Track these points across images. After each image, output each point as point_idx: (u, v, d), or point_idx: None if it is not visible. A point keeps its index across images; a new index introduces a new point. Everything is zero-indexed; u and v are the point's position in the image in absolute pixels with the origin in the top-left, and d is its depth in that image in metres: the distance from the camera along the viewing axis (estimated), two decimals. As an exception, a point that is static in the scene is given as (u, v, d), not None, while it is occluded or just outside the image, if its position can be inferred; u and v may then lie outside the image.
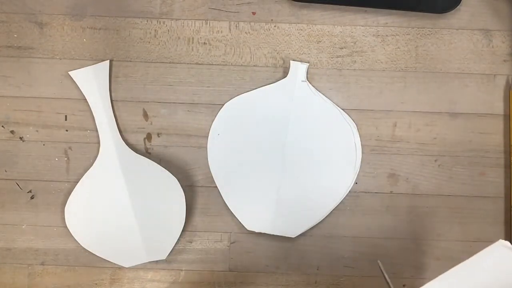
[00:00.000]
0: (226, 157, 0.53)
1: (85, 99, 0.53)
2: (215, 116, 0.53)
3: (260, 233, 0.53)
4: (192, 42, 0.54)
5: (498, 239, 0.53)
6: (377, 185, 0.54)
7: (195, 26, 0.54)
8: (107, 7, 0.54)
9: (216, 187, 0.53)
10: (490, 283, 0.33)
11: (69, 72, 0.53)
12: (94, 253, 0.52)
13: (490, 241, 0.53)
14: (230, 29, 0.54)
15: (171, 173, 0.52)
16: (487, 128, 0.53)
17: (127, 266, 0.52)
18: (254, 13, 0.54)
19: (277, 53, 0.54)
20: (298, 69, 0.53)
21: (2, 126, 0.54)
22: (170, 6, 0.54)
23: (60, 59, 0.54)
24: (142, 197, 0.52)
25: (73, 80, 0.53)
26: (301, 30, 0.54)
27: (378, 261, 0.46)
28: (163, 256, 0.52)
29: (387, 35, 0.53)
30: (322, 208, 0.53)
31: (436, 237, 0.54)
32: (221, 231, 0.54)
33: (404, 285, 0.54)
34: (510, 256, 0.31)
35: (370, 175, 0.54)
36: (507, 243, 0.31)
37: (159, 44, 0.54)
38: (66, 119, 0.54)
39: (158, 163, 0.52)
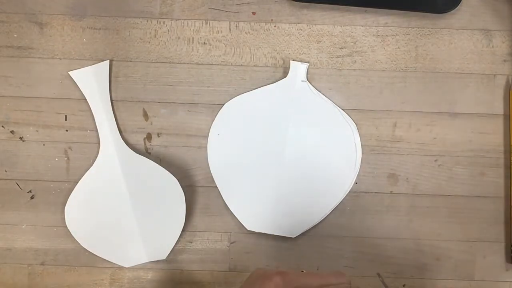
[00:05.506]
0: (226, 157, 0.53)
1: (85, 99, 0.53)
2: (215, 116, 0.53)
3: (260, 233, 0.53)
4: (192, 42, 0.54)
5: (498, 240, 0.54)
6: (377, 185, 0.54)
7: (195, 26, 0.54)
8: (107, 7, 0.54)
9: (216, 187, 0.53)
10: None
11: (69, 72, 0.53)
12: (94, 253, 0.52)
13: (490, 241, 0.53)
14: (230, 29, 0.54)
15: (171, 173, 0.52)
16: (487, 128, 0.53)
17: (127, 266, 0.52)
18: (254, 13, 0.54)
19: (277, 53, 0.54)
20: (298, 69, 0.53)
21: (2, 126, 0.54)
22: (170, 6, 0.54)
23: (60, 59, 0.54)
24: (142, 197, 0.52)
25: (73, 80, 0.53)
26: (301, 30, 0.54)
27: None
28: (163, 256, 0.52)
29: (387, 35, 0.53)
30: (322, 208, 0.53)
31: (436, 237, 0.54)
32: (221, 231, 0.54)
33: (404, 285, 0.54)
34: None
35: (370, 175, 0.54)
36: None
37: (159, 44, 0.54)
38: (66, 119, 0.54)
39: (158, 163, 0.52)
